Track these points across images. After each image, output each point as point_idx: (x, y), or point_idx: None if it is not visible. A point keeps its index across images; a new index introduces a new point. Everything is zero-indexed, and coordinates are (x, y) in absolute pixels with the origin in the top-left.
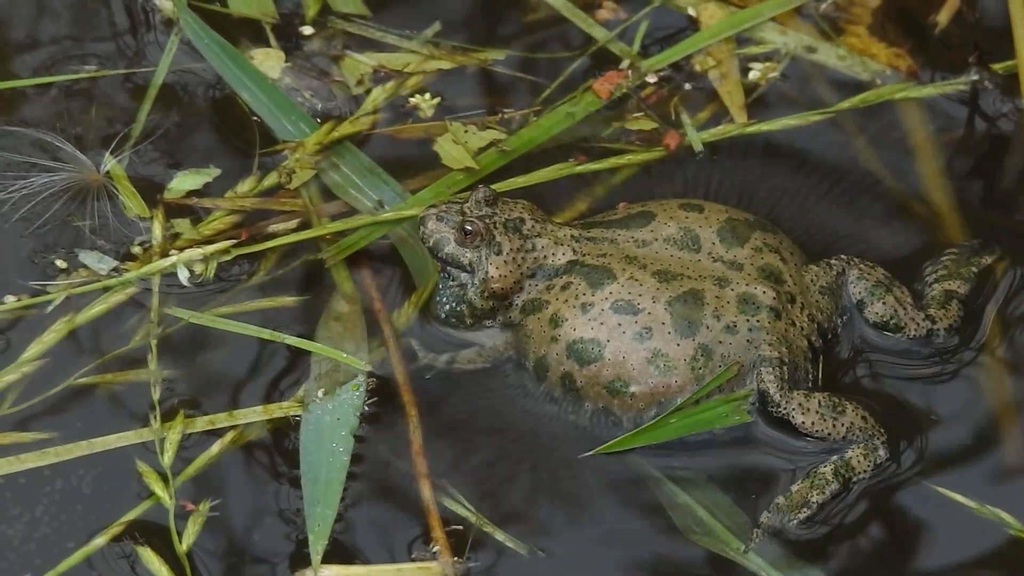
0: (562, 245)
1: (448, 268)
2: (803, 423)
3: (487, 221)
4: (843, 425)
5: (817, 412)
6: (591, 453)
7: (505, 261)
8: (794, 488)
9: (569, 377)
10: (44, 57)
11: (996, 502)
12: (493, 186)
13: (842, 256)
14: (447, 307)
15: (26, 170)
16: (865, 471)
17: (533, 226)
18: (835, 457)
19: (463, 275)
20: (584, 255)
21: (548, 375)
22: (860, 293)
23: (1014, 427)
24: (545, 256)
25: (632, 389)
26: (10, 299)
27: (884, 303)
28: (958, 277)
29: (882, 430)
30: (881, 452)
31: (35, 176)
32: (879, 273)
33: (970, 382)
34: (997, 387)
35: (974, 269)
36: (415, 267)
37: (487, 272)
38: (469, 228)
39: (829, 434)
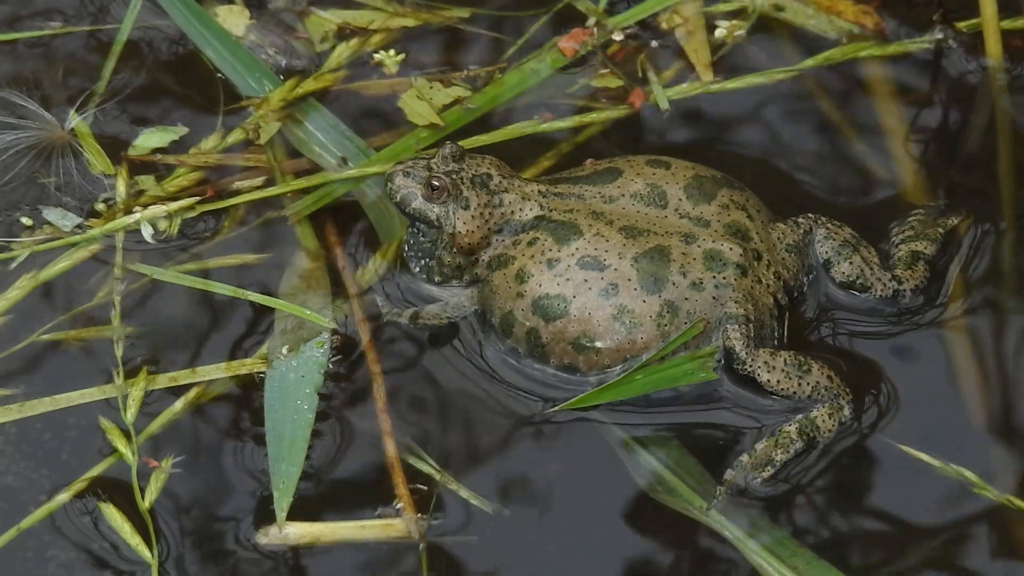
0: (529, 200)
1: (416, 224)
2: (768, 381)
3: (454, 176)
4: (808, 384)
5: (783, 371)
6: (556, 408)
7: (472, 216)
8: (758, 446)
9: (535, 333)
10: (8, 13)
11: (960, 461)
12: (458, 143)
13: (809, 215)
14: (422, 261)
15: None
16: (830, 430)
17: (500, 181)
18: (800, 416)
19: (431, 231)
20: (551, 210)
21: (514, 331)
22: (827, 252)
23: (978, 385)
24: (512, 212)
25: (597, 345)
26: None
27: (851, 263)
28: (924, 238)
29: (847, 390)
30: (846, 411)
31: (1, 134)
32: (846, 232)
33: (934, 340)
34: (961, 346)
35: (940, 230)
36: (379, 223)
37: (454, 227)
38: (436, 183)
39: (794, 393)
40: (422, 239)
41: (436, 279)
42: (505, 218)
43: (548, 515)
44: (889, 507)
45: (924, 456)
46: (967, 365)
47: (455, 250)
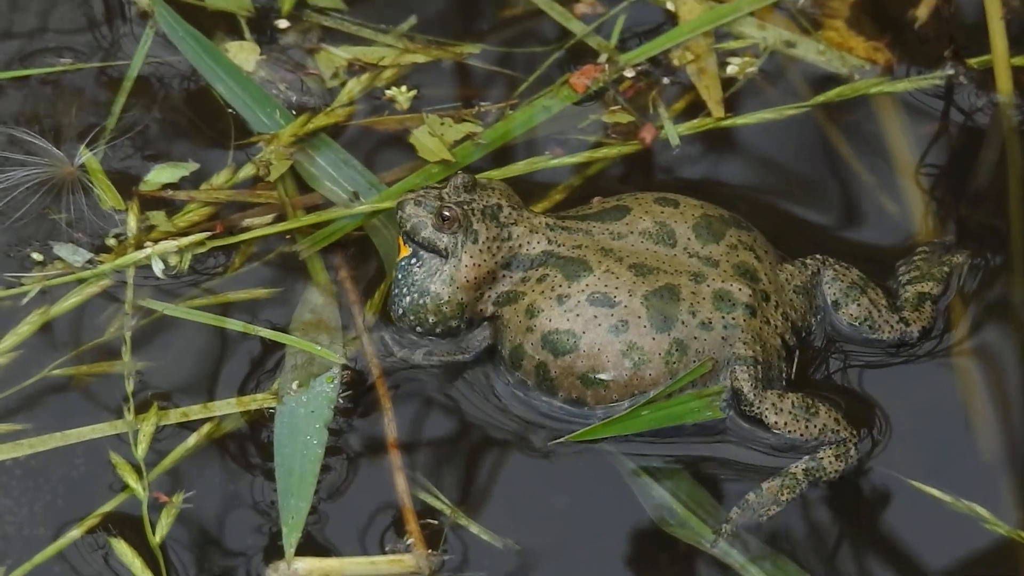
0: (537, 233)
1: (418, 255)
2: (776, 423)
3: (465, 207)
4: (816, 427)
5: (790, 413)
6: (561, 440)
7: (480, 250)
8: (764, 486)
9: (544, 367)
10: (18, 49)
11: (970, 495)
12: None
13: (817, 256)
14: (407, 299)
15: (2, 165)
16: (836, 471)
17: (510, 213)
18: (807, 457)
19: (435, 261)
20: (559, 245)
21: (523, 364)
22: (835, 294)
23: (987, 419)
24: (520, 245)
25: (606, 380)
26: None
27: (859, 305)
28: (931, 278)
29: (854, 432)
30: (853, 454)
31: (12, 171)
32: (854, 274)
33: (942, 374)
34: (969, 380)
35: (946, 269)
36: (390, 259)
37: (462, 259)
38: (447, 214)
39: (801, 435)
40: (417, 268)
41: (429, 319)
42: (513, 252)
43: (558, 549)
44: (899, 541)
45: (935, 491)
46: (976, 398)
47: (458, 284)
